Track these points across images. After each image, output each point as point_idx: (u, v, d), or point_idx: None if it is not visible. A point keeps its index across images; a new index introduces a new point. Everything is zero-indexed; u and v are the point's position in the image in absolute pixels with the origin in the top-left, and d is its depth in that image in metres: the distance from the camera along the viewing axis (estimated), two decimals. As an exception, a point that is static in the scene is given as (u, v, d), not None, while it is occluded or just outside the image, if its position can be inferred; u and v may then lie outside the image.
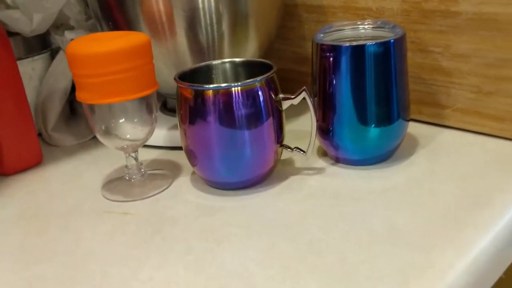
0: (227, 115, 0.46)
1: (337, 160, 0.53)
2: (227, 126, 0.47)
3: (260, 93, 0.47)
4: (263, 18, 0.59)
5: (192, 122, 0.48)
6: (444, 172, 0.49)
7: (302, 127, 0.62)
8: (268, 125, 0.48)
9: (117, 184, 0.54)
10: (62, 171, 0.58)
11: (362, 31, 0.54)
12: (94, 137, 0.65)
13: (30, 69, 0.66)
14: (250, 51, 0.60)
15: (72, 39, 0.66)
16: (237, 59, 0.54)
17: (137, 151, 0.53)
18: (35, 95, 0.67)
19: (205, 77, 0.53)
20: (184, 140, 0.50)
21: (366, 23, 0.54)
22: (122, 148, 0.52)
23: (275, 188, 0.50)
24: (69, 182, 0.56)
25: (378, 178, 0.49)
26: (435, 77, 0.57)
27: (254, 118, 0.47)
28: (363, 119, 0.49)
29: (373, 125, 0.50)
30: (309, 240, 0.41)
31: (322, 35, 0.53)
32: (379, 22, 0.53)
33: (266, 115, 0.48)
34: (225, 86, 0.46)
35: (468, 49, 0.53)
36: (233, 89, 0.46)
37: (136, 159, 0.53)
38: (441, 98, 0.57)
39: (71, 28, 0.67)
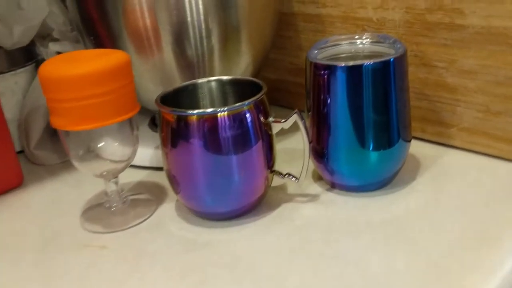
0: (212, 140, 0.43)
1: (332, 186, 0.50)
2: (212, 152, 0.43)
3: (248, 116, 0.43)
4: (256, 30, 0.55)
5: (174, 145, 0.44)
6: (448, 201, 0.45)
7: (296, 146, 0.57)
8: (257, 150, 0.44)
9: (97, 212, 0.50)
10: (43, 195, 0.55)
11: (360, 46, 0.50)
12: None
13: (13, 83, 0.63)
14: (243, 65, 0.56)
15: (57, 52, 0.63)
16: (224, 78, 0.50)
17: (117, 176, 0.49)
18: (18, 110, 0.64)
19: (190, 97, 0.50)
20: (166, 164, 0.46)
21: (364, 37, 0.50)
22: (101, 175, 0.48)
23: (265, 218, 0.46)
24: (49, 208, 0.53)
25: (376, 208, 0.45)
26: (440, 94, 0.53)
27: (242, 143, 0.43)
28: (360, 142, 0.45)
29: (371, 149, 0.46)
30: (298, 283, 0.37)
31: (316, 51, 0.49)
32: (379, 37, 0.49)
33: (254, 139, 0.44)
34: (211, 111, 0.42)
35: (475, 65, 0.49)
36: (219, 114, 0.42)
37: (116, 183, 0.49)
38: (445, 116, 0.53)
39: (56, 40, 0.64)
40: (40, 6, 0.60)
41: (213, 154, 0.43)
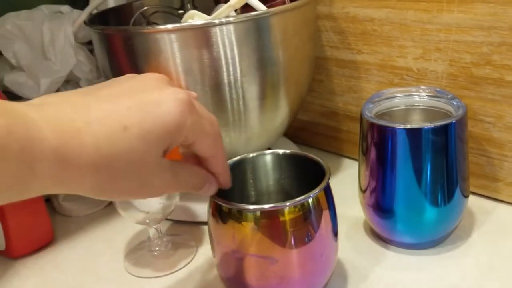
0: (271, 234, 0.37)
1: (388, 242, 0.48)
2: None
3: (311, 208, 0.38)
4: (293, 83, 0.54)
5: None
6: (503, 268, 0.43)
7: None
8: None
9: (140, 257, 0.51)
10: (75, 254, 0.53)
11: (416, 99, 0.48)
12: (108, 206, 0.61)
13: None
14: (280, 119, 0.54)
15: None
16: (280, 151, 0.45)
17: (159, 223, 0.49)
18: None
19: (239, 172, 0.44)
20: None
21: (421, 91, 0.48)
22: (143, 222, 0.48)
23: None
24: (83, 269, 0.51)
25: (429, 273, 0.44)
26: (485, 148, 0.51)
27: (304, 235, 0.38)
28: (419, 199, 0.44)
29: (431, 206, 0.44)
30: None
31: (371, 105, 0.47)
32: (436, 91, 0.47)
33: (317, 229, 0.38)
34: (270, 207, 0.36)
35: (525, 122, 0.48)
36: (279, 211, 0.36)
37: (158, 229, 0.50)
38: (491, 170, 0.52)
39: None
40: (67, 56, 0.58)
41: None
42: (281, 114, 0.54)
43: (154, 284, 0.47)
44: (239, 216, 0.37)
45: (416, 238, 0.47)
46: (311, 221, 0.38)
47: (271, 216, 0.36)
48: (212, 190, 0.37)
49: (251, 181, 0.46)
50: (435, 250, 0.47)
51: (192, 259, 0.49)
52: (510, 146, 0.49)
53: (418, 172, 0.43)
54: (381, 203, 0.46)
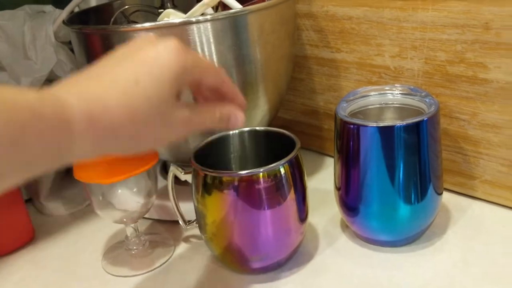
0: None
1: (361, 238, 0.49)
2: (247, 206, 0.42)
3: (283, 173, 0.43)
4: (272, 81, 0.54)
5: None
6: (477, 264, 0.44)
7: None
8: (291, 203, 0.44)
9: (117, 256, 0.51)
10: (55, 253, 0.53)
11: (390, 97, 0.48)
12: (88, 205, 0.61)
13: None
14: (260, 116, 0.55)
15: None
16: (257, 128, 0.50)
17: (137, 221, 0.50)
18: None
19: (222, 149, 0.49)
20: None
21: (395, 89, 0.48)
22: (121, 221, 0.49)
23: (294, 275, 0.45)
24: (62, 268, 0.51)
25: (404, 270, 0.44)
26: (461, 145, 0.52)
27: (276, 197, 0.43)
28: (392, 197, 0.44)
29: (404, 203, 0.44)
30: None
31: (346, 104, 0.47)
32: (410, 89, 0.48)
33: (288, 193, 0.43)
34: (246, 173, 0.42)
35: (499, 119, 0.48)
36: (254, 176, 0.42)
37: (135, 228, 0.50)
38: (467, 168, 0.52)
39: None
40: (48, 56, 0.58)
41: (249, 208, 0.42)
42: (260, 112, 0.54)
43: (131, 283, 0.47)
44: (220, 184, 0.42)
45: (390, 236, 0.47)
46: (282, 187, 0.43)
47: (248, 181, 0.41)
48: (240, 118, 0.38)
49: (232, 156, 0.50)
50: (409, 247, 0.47)
51: (170, 257, 0.50)
52: (485, 144, 0.50)
53: (391, 170, 0.43)
54: (354, 201, 0.46)
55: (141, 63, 0.32)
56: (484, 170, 0.51)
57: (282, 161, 0.43)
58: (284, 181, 0.43)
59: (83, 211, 0.61)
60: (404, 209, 0.45)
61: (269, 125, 0.58)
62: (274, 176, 0.42)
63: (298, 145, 0.45)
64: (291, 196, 0.44)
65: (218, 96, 0.38)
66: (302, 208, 0.45)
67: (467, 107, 0.50)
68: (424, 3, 0.49)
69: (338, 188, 0.48)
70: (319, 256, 0.48)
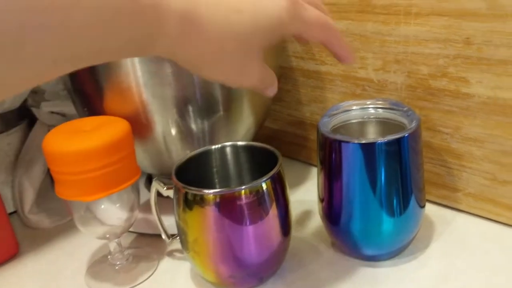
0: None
1: (346, 253, 0.49)
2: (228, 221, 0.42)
3: (265, 189, 0.43)
4: (258, 95, 0.53)
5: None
6: (459, 279, 0.44)
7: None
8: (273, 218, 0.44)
9: (101, 271, 0.51)
10: (39, 267, 0.53)
11: (372, 111, 0.48)
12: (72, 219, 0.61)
13: (5, 144, 0.62)
14: (245, 129, 0.55)
15: (49, 111, 0.62)
16: (239, 143, 0.49)
17: (120, 236, 0.49)
18: (11, 172, 0.62)
19: (204, 164, 0.49)
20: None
21: (377, 103, 0.48)
22: (104, 237, 0.48)
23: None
24: (45, 283, 0.51)
25: (388, 285, 0.44)
26: (444, 158, 0.52)
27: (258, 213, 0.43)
28: (375, 211, 0.44)
29: (386, 217, 0.44)
30: None
31: (328, 118, 0.48)
32: (391, 103, 0.48)
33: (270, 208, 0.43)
34: (228, 190, 0.42)
35: (481, 133, 0.48)
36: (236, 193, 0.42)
37: (119, 243, 0.50)
38: (451, 180, 0.52)
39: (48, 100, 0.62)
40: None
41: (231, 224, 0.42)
42: (245, 126, 0.54)
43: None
44: (202, 201, 0.41)
45: (373, 250, 0.47)
46: (264, 203, 0.43)
47: (230, 198, 0.41)
48: (273, 90, 0.40)
49: (215, 170, 0.50)
50: (392, 261, 0.47)
51: (154, 272, 0.50)
52: (468, 157, 0.50)
53: (373, 185, 0.43)
54: (337, 214, 0.46)
55: (253, 4, 0.32)
56: (468, 183, 0.51)
57: (264, 178, 0.42)
58: (266, 196, 0.43)
59: (68, 224, 0.60)
60: (386, 223, 0.45)
61: (255, 136, 0.58)
62: (256, 192, 0.42)
63: (280, 160, 0.45)
64: (274, 211, 0.43)
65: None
66: (285, 223, 0.45)
67: (450, 121, 0.50)
68: (407, 17, 0.49)
69: (321, 200, 0.48)
70: (303, 270, 0.48)
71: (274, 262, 0.45)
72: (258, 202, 0.42)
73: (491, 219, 0.51)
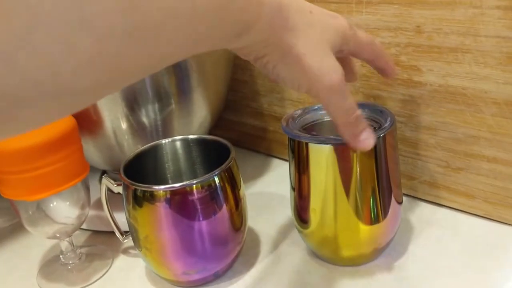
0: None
1: (318, 256, 0.47)
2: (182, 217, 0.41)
3: (217, 183, 0.42)
4: (210, 86, 0.53)
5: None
6: (414, 266, 0.44)
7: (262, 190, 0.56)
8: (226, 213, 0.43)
9: (54, 271, 0.49)
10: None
11: None
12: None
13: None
14: (199, 122, 0.54)
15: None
16: (190, 137, 0.48)
17: (71, 235, 0.48)
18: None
19: (154, 159, 0.48)
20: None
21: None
22: (54, 237, 0.47)
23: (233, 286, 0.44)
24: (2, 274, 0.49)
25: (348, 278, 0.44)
26: (400, 147, 0.52)
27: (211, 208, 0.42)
28: (350, 213, 0.42)
29: (364, 219, 0.42)
30: None
31: (298, 116, 0.45)
32: (364, 104, 0.45)
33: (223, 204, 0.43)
34: (180, 186, 0.41)
35: (434, 121, 0.48)
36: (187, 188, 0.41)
37: (70, 242, 0.48)
38: (406, 169, 0.52)
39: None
40: None
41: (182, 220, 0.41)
42: (198, 118, 0.53)
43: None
44: (152, 198, 0.40)
45: (348, 252, 0.45)
46: (217, 197, 0.42)
47: (181, 193, 0.41)
48: (371, 140, 0.37)
49: (167, 165, 0.49)
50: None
51: (107, 270, 0.48)
52: (422, 145, 0.50)
53: (347, 186, 0.41)
54: (308, 216, 0.44)
55: (321, 10, 0.36)
56: (423, 171, 0.51)
57: (216, 171, 0.42)
58: (219, 190, 0.42)
59: (19, 224, 0.58)
60: (364, 225, 0.42)
61: (213, 129, 0.58)
62: (209, 187, 0.42)
63: (232, 153, 0.44)
64: (227, 206, 0.43)
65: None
66: (239, 217, 0.45)
67: (403, 110, 0.50)
68: (358, 6, 0.49)
69: (293, 189, 0.45)
70: (260, 264, 0.47)
71: (229, 257, 0.45)
72: (211, 197, 0.42)
73: (446, 205, 0.51)
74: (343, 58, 0.40)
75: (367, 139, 0.37)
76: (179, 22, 0.24)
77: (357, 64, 0.50)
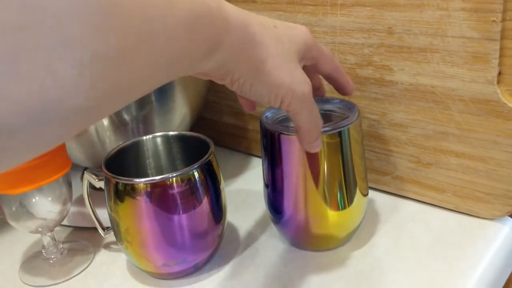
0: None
1: (287, 240, 0.49)
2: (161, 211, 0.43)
3: (197, 177, 0.44)
4: (191, 85, 0.54)
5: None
6: (388, 258, 0.46)
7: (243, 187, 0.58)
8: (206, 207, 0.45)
9: (35, 265, 0.50)
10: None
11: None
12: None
13: None
14: (179, 119, 0.55)
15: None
16: (170, 133, 0.50)
17: (53, 230, 0.49)
18: None
19: (135, 155, 0.49)
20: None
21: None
22: (36, 231, 0.48)
23: (212, 277, 0.46)
24: (-22, 281, 0.50)
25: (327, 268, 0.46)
26: (373, 144, 0.54)
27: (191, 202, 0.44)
28: (317, 202, 0.45)
29: (330, 208, 0.45)
30: None
31: (273, 110, 0.48)
32: (328, 97, 0.49)
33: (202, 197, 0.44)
34: (160, 178, 0.42)
35: (405, 119, 0.50)
36: (167, 181, 0.42)
37: (52, 237, 0.49)
38: (379, 165, 0.54)
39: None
40: None
41: (162, 213, 0.43)
42: (178, 116, 0.54)
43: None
44: (133, 191, 0.42)
45: (317, 239, 0.48)
46: (197, 191, 0.44)
47: (161, 186, 0.42)
48: (320, 146, 0.41)
49: (148, 161, 0.50)
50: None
51: (89, 264, 0.49)
52: (394, 142, 0.52)
53: (315, 176, 0.44)
54: (279, 204, 0.46)
55: (282, 23, 0.38)
56: (395, 167, 0.53)
57: (195, 165, 0.43)
58: (198, 184, 0.44)
59: (3, 220, 0.59)
60: (331, 214, 0.45)
61: (194, 128, 0.59)
62: (188, 180, 0.43)
63: (211, 148, 0.45)
64: (206, 199, 0.44)
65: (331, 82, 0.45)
66: (218, 210, 0.46)
67: (376, 108, 0.52)
68: (333, 8, 0.51)
69: (266, 185, 0.48)
70: (239, 257, 0.49)
71: (208, 250, 0.46)
72: (191, 190, 0.43)
73: (417, 199, 0.53)
74: (311, 73, 0.42)
75: (318, 146, 0.41)
76: (154, 43, 0.25)
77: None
